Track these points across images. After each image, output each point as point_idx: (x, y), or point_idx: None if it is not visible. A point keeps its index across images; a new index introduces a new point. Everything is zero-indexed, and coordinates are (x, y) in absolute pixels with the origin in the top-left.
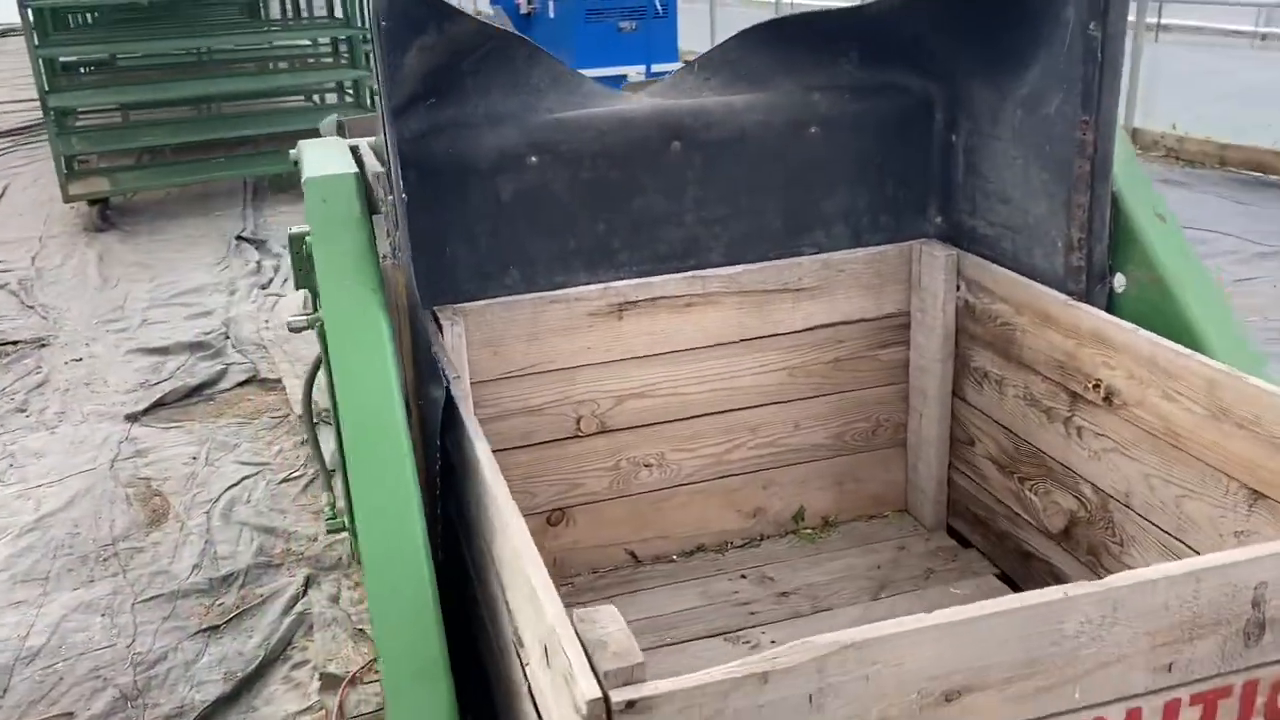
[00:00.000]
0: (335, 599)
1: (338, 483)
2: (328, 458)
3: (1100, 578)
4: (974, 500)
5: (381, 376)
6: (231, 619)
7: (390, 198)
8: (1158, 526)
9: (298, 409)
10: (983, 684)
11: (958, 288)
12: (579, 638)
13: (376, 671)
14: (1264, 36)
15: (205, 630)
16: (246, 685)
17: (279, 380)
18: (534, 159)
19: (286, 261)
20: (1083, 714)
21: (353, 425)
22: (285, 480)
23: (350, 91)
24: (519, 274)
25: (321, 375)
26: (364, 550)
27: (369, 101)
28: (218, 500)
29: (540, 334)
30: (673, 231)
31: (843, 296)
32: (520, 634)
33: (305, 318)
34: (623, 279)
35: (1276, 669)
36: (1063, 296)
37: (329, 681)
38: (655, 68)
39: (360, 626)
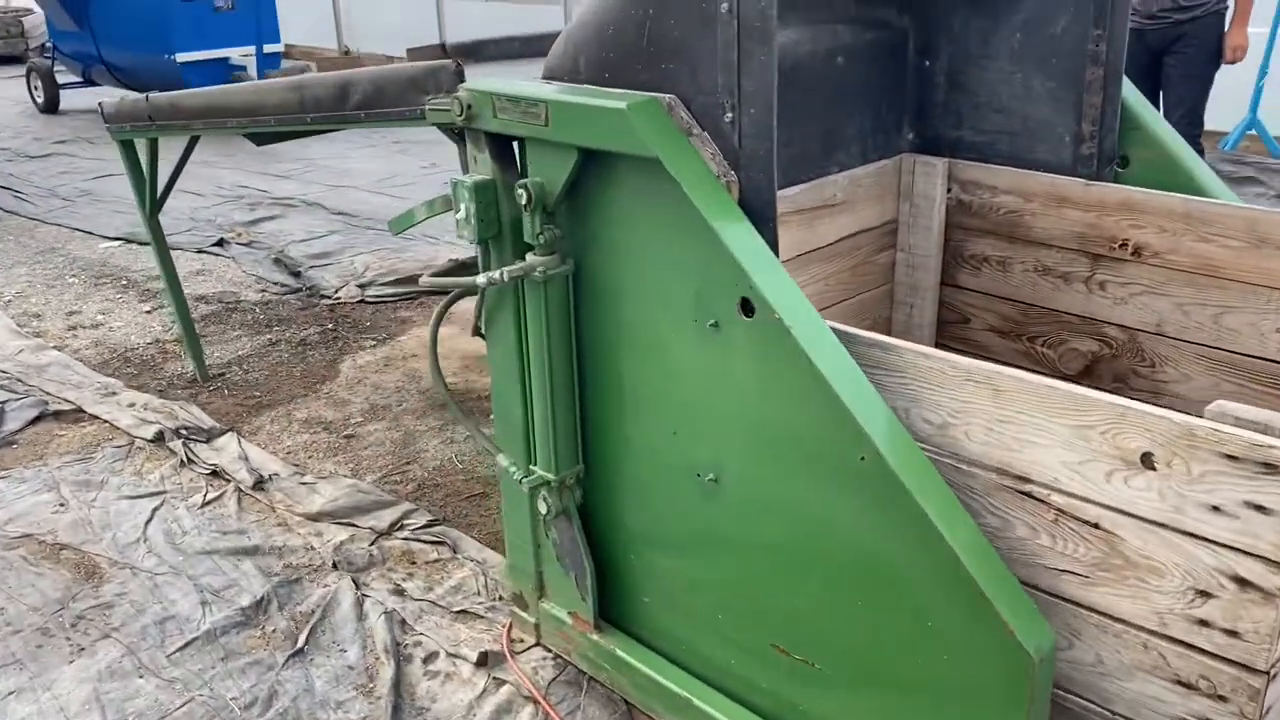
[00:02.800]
0: (399, 591)
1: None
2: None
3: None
4: None
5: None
6: (307, 637)
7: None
8: (1193, 343)
9: (429, 382)
10: None
11: (949, 190)
12: None
13: (520, 639)
14: None
15: (292, 655)
16: (397, 693)
17: (80, 409)
18: None
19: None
20: None
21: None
22: (206, 504)
23: None
24: None
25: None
26: None
27: None
28: (145, 539)
29: None
30: None
31: (861, 208)
32: None
33: (506, 272)
34: None
35: None
36: (1081, 180)
37: (485, 659)
38: (267, 49)
39: (460, 609)
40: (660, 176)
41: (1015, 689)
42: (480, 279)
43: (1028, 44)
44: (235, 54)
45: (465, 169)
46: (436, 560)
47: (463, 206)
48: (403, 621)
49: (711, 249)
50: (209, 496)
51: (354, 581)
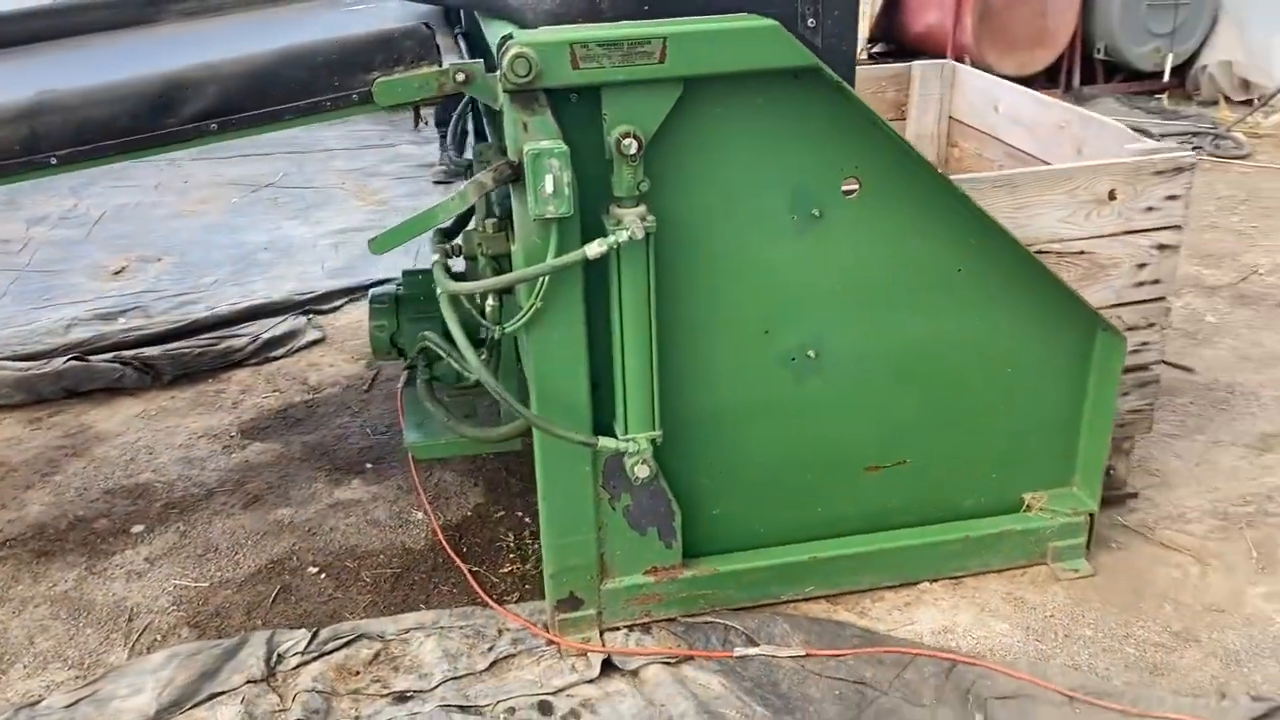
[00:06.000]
0: (403, 698)
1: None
2: None
3: None
4: None
5: None
6: None
7: None
8: None
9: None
10: None
11: None
12: None
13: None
14: None
15: None
16: None
17: None
18: None
19: None
20: None
21: None
22: None
23: None
24: None
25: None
26: None
27: None
28: None
29: None
30: None
31: None
32: None
33: (642, 227)
34: None
35: None
36: None
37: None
38: None
39: (490, 660)
40: (770, 86)
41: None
42: (596, 247)
43: None
44: None
45: (488, 139)
46: (381, 651)
47: (549, 178)
48: (462, 707)
49: (828, 136)
50: None
51: None
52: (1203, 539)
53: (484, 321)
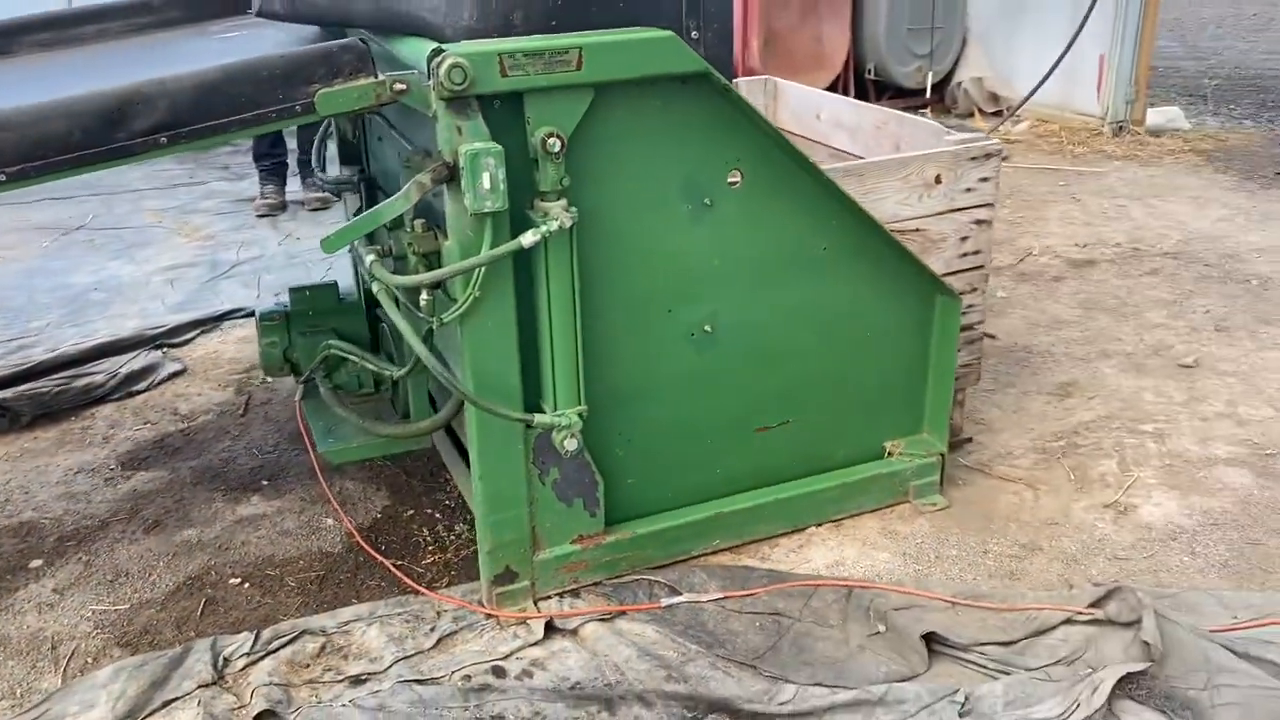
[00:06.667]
0: (358, 681)
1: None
2: None
3: None
4: None
5: None
6: None
7: None
8: None
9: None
10: None
11: None
12: None
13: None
14: None
15: None
16: None
17: None
18: None
19: None
20: None
21: None
22: None
23: None
24: None
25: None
26: None
27: None
28: None
29: None
30: None
31: None
32: None
33: (565, 219)
34: None
35: None
36: None
37: (549, 627)
38: None
39: (438, 636)
40: (665, 90)
41: (938, 313)
42: (531, 237)
43: None
44: None
45: (363, 159)
46: (326, 644)
47: (486, 176)
48: (419, 680)
49: (714, 133)
50: None
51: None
52: (1029, 470)
53: (419, 314)
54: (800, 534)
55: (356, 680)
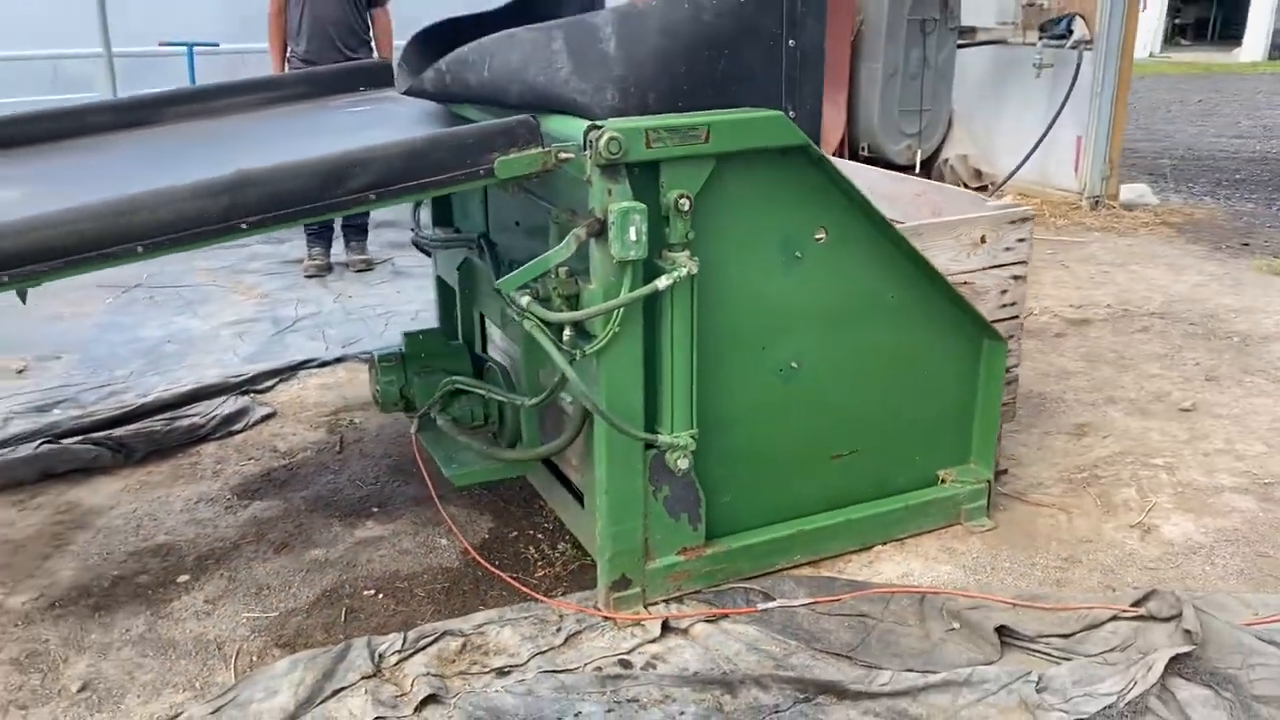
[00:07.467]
0: (501, 672)
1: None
2: None
3: None
4: None
5: None
6: None
7: None
8: None
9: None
10: None
11: None
12: None
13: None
14: None
15: None
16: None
17: None
18: None
19: None
20: None
21: None
22: None
23: None
24: None
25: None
26: None
27: None
28: None
29: None
30: None
31: None
32: None
33: (691, 268)
34: None
35: None
36: None
37: (665, 627)
38: None
39: (573, 631)
40: (769, 160)
41: (985, 354)
42: (665, 280)
43: None
44: None
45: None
46: (466, 643)
47: (632, 230)
48: (557, 671)
49: (806, 196)
50: None
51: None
52: (1060, 497)
53: (563, 347)
54: (868, 552)
55: (501, 671)
